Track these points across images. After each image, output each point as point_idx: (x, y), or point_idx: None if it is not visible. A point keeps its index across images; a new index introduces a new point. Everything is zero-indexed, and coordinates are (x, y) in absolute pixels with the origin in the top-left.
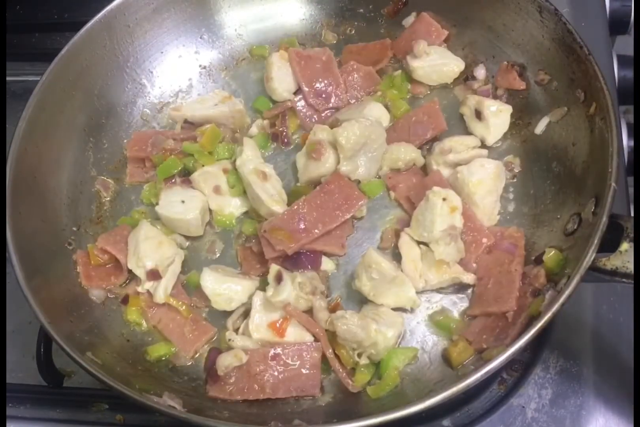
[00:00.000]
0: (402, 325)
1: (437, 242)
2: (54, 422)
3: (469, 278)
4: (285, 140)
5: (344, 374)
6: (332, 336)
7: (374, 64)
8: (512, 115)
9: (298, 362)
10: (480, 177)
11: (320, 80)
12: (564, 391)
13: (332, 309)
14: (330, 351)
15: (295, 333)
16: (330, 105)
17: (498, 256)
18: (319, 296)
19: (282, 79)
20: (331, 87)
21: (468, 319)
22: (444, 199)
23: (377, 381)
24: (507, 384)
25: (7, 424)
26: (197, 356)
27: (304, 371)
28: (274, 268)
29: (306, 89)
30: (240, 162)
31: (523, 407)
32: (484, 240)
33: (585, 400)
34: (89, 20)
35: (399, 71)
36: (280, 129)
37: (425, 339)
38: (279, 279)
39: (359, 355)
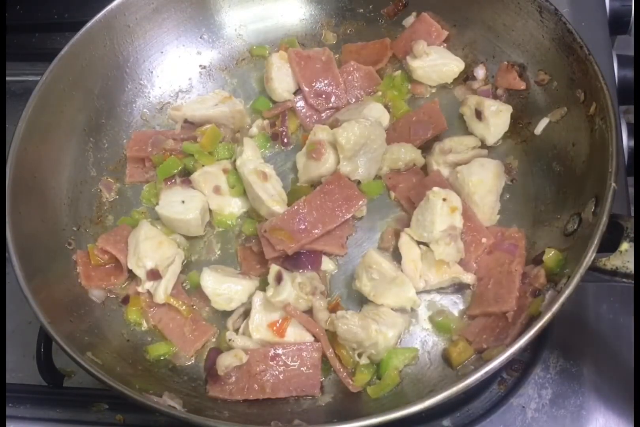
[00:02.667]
0: (403, 325)
1: (437, 243)
2: (54, 422)
3: (469, 278)
4: (285, 140)
5: (345, 374)
6: (332, 336)
7: (373, 64)
8: (512, 115)
9: (298, 362)
10: (480, 177)
11: (320, 80)
12: (564, 391)
13: (332, 309)
14: (331, 351)
15: (295, 333)
16: (330, 105)
17: (498, 256)
18: (318, 296)
19: (282, 79)
20: (331, 87)
21: (468, 319)
22: (444, 199)
23: (377, 381)
24: (507, 384)
25: (7, 424)
26: (197, 356)
27: (304, 371)
28: (273, 268)
29: (306, 89)
30: (241, 162)
31: (523, 407)
32: (484, 240)
33: (585, 400)
34: (89, 20)
35: (399, 71)
36: (280, 129)
37: (425, 339)
38: (278, 279)
39: (359, 355)
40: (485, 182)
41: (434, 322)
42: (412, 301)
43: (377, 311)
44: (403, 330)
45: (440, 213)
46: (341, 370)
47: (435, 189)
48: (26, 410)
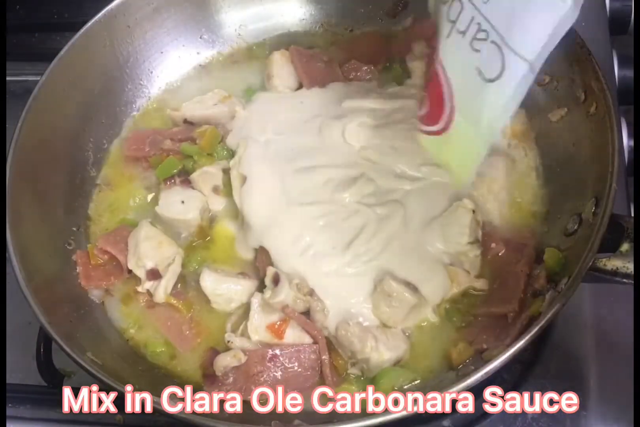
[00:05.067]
0: (405, 352)
1: (465, 255)
2: (54, 422)
3: (482, 284)
4: None
5: (332, 380)
6: (332, 339)
7: (373, 63)
8: (512, 116)
9: (296, 364)
10: (492, 176)
11: (322, 78)
12: (564, 391)
13: None
14: (326, 354)
15: (294, 335)
16: None
17: (505, 255)
18: (316, 297)
19: (283, 77)
20: None
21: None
22: (473, 211)
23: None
24: (508, 384)
25: (7, 424)
26: (196, 356)
27: (301, 372)
28: (270, 270)
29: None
30: (232, 165)
31: None
32: (493, 245)
33: (586, 400)
34: (88, 21)
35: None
36: None
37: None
38: (276, 281)
39: (353, 364)
40: (497, 180)
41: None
42: (429, 319)
43: (385, 330)
44: (404, 356)
45: (469, 225)
46: (328, 377)
47: (466, 200)
48: (26, 410)
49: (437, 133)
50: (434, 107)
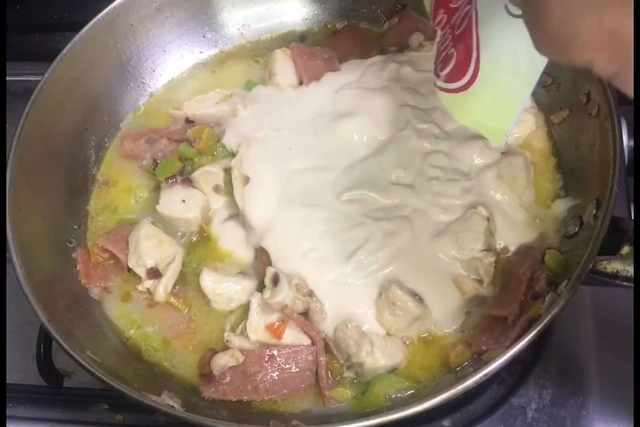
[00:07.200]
0: (402, 361)
1: (480, 260)
2: (54, 422)
3: (488, 291)
4: None
5: (326, 383)
6: (329, 342)
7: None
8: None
9: (293, 365)
10: (513, 175)
11: (321, 75)
12: (565, 391)
13: None
14: (324, 355)
15: (293, 336)
16: None
17: (511, 258)
18: (315, 297)
19: (285, 74)
20: None
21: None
22: (487, 219)
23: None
24: (508, 384)
25: (7, 424)
26: (194, 355)
27: (298, 373)
28: (270, 270)
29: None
30: (233, 164)
31: (523, 407)
32: (499, 249)
33: (586, 400)
34: (90, 20)
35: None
36: None
37: None
38: (275, 281)
39: (348, 367)
40: (519, 178)
41: None
42: (431, 331)
43: (385, 336)
44: (401, 365)
45: (484, 232)
46: (324, 379)
47: (480, 208)
48: (26, 410)
49: (463, 88)
50: (461, 61)
